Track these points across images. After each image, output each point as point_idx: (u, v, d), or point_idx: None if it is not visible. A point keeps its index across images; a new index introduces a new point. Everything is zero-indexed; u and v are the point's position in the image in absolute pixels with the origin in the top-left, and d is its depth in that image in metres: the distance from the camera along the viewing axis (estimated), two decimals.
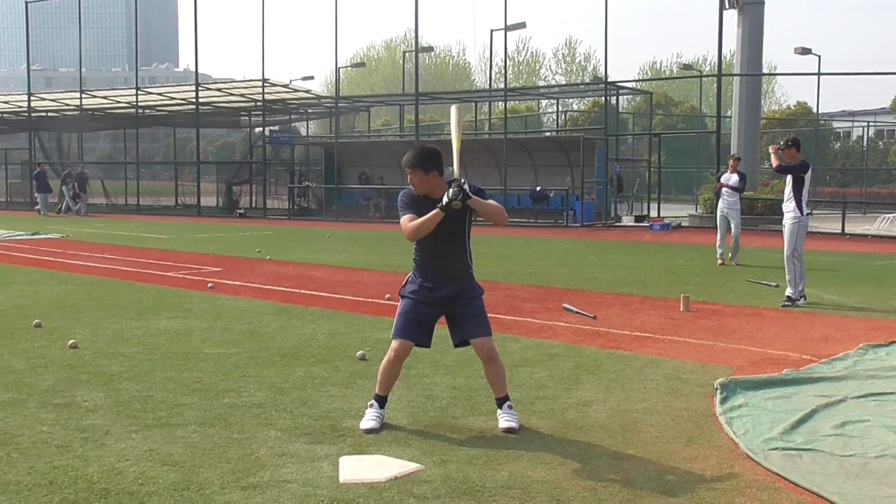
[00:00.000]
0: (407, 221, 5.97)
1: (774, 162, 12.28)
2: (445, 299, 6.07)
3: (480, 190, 5.95)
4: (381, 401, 6.16)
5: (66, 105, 47.62)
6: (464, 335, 6.11)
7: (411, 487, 4.87)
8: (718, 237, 17.84)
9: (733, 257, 17.45)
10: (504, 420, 6.03)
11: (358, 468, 5.18)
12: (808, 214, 12.48)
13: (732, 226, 17.68)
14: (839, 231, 27.42)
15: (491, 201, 5.96)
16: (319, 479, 5.01)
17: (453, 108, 6.50)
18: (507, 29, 35.39)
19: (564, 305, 11.55)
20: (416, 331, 6.08)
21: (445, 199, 5.73)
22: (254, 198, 43.68)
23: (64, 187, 40.01)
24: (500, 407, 6.12)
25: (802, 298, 12.01)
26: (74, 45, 45.07)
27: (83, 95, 44.38)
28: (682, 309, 11.44)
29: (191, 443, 5.66)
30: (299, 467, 5.19)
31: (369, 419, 6.05)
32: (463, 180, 5.76)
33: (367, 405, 6.20)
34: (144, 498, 4.69)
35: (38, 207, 39.79)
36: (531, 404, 6.68)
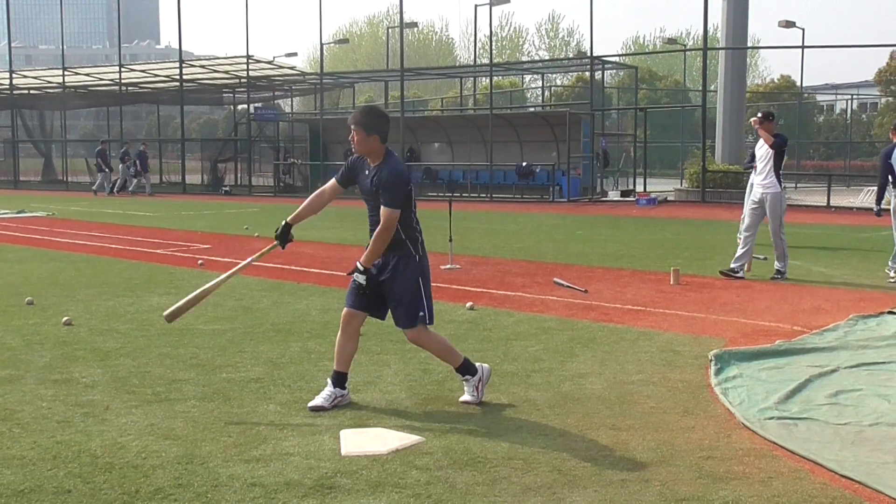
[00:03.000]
0: (326, 183, 6.21)
1: (769, 139, 12.15)
2: (376, 273, 6.01)
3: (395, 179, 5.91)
4: (337, 378, 6.06)
5: (49, 82, 47.27)
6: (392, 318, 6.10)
7: (413, 459, 4.92)
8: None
9: None
10: (465, 394, 6.09)
11: (359, 441, 5.22)
12: (784, 188, 12.49)
13: None
14: (824, 204, 27.56)
15: (373, 243, 5.93)
16: (322, 451, 5.04)
17: None
18: (492, 4, 35.28)
19: (555, 279, 11.59)
20: (357, 299, 6.09)
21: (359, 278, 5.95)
22: (239, 175, 43.57)
23: (122, 165, 38.60)
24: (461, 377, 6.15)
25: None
26: (54, 22, 44.80)
27: (66, 73, 44.08)
28: (672, 282, 11.50)
29: (191, 417, 5.68)
30: (301, 440, 5.23)
31: (318, 396, 6.01)
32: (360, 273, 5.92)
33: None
34: (149, 471, 4.71)
35: (101, 188, 37.95)
36: (527, 377, 6.73)
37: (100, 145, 39.66)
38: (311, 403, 5.93)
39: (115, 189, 37.82)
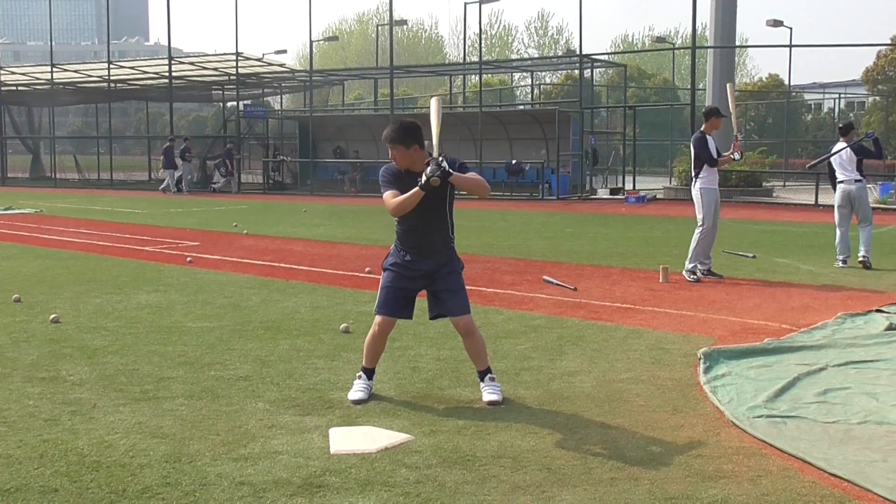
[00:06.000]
0: (390, 197, 5.98)
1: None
2: (425, 274, 6.10)
3: (462, 165, 5.99)
4: (369, 373, 6.22)
5: (37, 79, 47.09)
6: (440, 311, 6.16)
7: (402, 458, 4.90)
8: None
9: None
10: (487, 393, 6.06)
11: (348, 439, 5.20)
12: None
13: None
14: (812, 202, 27.63)
15: (472, 174, 5.99)
16: (310, 450, 5.02)
17: (433, 101, 6.45)
18: (481, 1, 35.26)
19: (544, 277, 11.59)
20: (397, 306, 6.13)
21: (423, 178, 5.73)
22: None
23: (184, 163, 37.69)
24: (482, 380, 6.16)
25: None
26: (42, 18, 44.63)
27: (54, 69, 43.91)
28: (661, 280, 11.51)
29: (179, 415, 5.66)
30: (290, 439, 5.21)
31: (357, 390, 6.10)
32: (441, 158, 5.76)
33: (356, 377, 6.24)
34: (136, 470, 4.69)
35: (162, 186, 37.13)
36: (517, 375, 6.72)
37: (167, 142, 38.53)
38: (353, 397, 6.04)
39: (185, 187, 37.14)
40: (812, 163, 13.46)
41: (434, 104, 6.38)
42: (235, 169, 39.07)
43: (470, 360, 6.34)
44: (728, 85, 14.77)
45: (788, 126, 49.90)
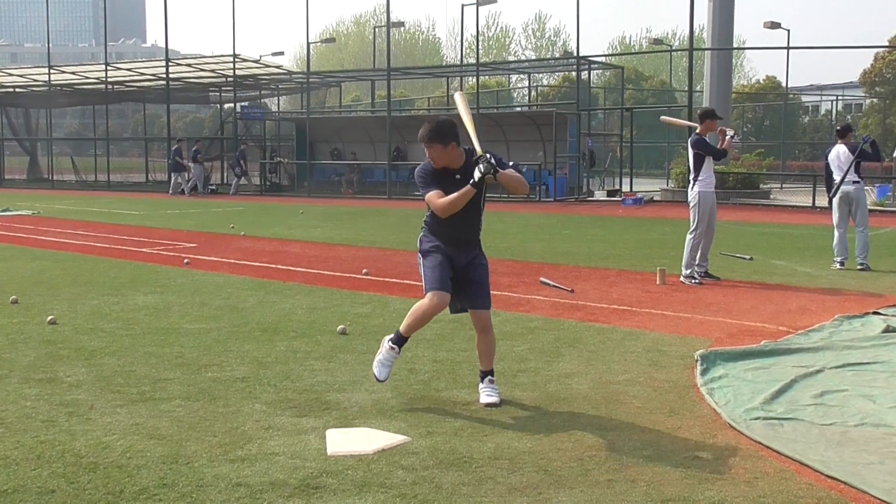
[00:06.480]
0: (435, 198, 5.96)
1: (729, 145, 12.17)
2: (457, 267, 6.12)
3: (501, 161, 5.98)
4: (402, 343, 6.13)
5: (34, 80, 47.07)
6: (465, 303, 6.16)
7: (399, 459, 4.90)
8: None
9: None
10: (485, 395, 6.06)
11: (345, 441, 5.20)
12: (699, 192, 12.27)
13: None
14: (809, 204, 27.65)
15: (512, 171, 5.97)
16: (307, 451, 5.02)
17: (458, 96, 6.46)
18: (479, 3, 35.27)
19: (541, 279, 11.59)
20: (449, 283, 6.08)
21: (478, 175, 5.73)
22: (225, 174, 43.46)
23: (193, 164, 37.27)
24: (482, 380, 6.15)
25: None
26: (40, 20, 44.55)
27: (51, 71, 43.89)
28: (658, 282, 11.52)
29: (176, 417, 5.66)
30: (286, 440, 5.21)
31: (385, 365, 6.07)
32: (489, 155, 5.76)
33: (387, 346, 6.12)
34: (133, 471, 4.69)
35: (177, 188, 36.76)
36: (514, 377, 6.73)
37: (176, 144, 38.17)
38: (381, 376, 6.06)
39: (188, 190, 36.70)
40: (830, 196, 13.42)
41: (460, 100, 6.38)
42: (248, 169, 38.93)
43: (467, 363, 6.35)
44: (662, 118, 14.85)
45: (786, 128, 49.99)
